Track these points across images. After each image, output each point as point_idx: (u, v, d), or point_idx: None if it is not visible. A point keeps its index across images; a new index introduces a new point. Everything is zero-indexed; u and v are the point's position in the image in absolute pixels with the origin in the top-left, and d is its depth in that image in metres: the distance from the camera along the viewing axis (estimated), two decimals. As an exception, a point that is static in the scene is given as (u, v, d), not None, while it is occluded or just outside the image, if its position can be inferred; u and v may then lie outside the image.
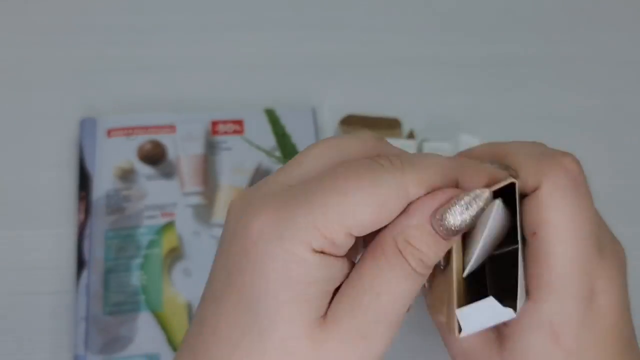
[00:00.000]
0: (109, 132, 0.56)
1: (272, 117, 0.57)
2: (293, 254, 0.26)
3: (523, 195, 0.31)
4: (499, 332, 0.32)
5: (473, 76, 0.63)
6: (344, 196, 0.26)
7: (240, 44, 0.63)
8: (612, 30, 0.67)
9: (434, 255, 0.28)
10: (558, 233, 0.29)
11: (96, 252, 0.51)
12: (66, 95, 0.59)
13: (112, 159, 0.55)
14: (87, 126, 0.56)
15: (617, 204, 0.52)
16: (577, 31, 0.66)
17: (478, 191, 0.28)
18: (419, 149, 0.55)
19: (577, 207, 0.30)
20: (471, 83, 0.62)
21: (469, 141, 0.54)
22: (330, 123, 0.58)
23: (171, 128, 0.56)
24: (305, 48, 0.64)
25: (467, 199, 0.28)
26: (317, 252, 0.27)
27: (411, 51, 0.64)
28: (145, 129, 0.56)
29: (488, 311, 0.28)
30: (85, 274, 0.51)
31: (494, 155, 0.32)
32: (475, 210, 0.28)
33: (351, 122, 0.57)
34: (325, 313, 0.27)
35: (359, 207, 0.26)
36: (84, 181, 0.54)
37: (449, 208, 0.27)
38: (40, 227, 0.54)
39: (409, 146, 0.55)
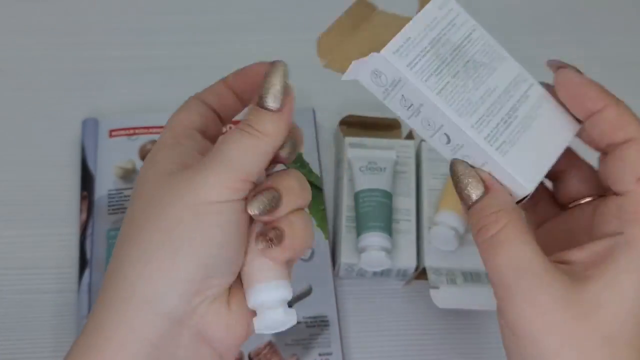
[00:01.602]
0: (111, 133, 0.56)
1: (273, 118, 0.57)
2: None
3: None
4: (577, 274, 0.31)
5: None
6: None
7: (240, 44, 0.64)
8: (613, 32, 0.67)
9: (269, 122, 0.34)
10: None
11: (98, 251, 0.52)
12: (68, 96, 0.60)
13: (113, 159, 0.55)
14: (89, 126, 0.56)
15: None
16: (576, 32, 0.66)
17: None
18: (419, 149, 0.55)
19: None
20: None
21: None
22: (330, 123, 0.58)
23: (172, 128, 0.56)
24: (305, 48, 0.64)
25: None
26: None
27: (411, 52, 0.64)
28: (147, 129, 0.56)
29: None
30: (87, 273, 0.51)
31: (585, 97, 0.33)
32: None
33: (351, 123, 0.57)
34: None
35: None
36: (86, 181, 0.54)
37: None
38: (42, 226, 0.54)
39: (408, 146, 0.55)
